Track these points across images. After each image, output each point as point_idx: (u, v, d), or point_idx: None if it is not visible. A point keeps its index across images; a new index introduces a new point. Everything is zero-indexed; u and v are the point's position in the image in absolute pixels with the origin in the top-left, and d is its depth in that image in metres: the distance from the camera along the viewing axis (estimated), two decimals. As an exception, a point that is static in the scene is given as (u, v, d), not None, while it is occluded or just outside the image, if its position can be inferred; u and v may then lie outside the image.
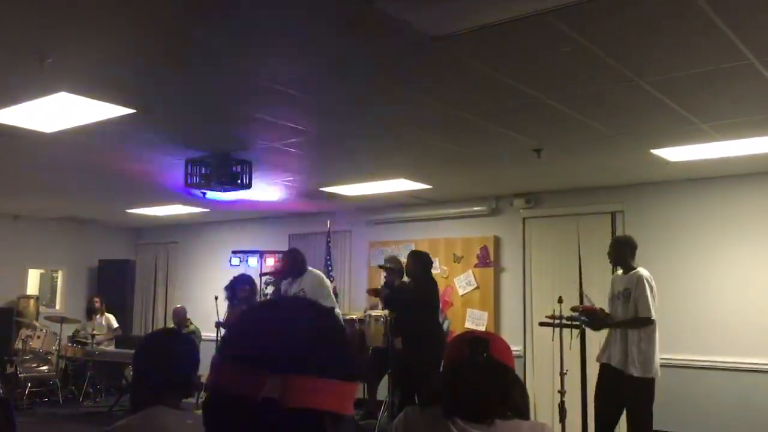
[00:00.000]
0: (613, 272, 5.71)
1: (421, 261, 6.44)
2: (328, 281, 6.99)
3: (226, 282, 7.66)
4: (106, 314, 10.03)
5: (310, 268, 6.92)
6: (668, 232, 6.96)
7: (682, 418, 6.52)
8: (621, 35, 3.28)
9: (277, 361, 0.85)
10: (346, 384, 0.89)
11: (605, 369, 5.42)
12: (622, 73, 3.74)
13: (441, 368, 2.00)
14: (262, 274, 7.77)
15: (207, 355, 2.55)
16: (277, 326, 0.90)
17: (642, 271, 5.41)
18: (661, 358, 6.54)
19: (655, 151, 5.61)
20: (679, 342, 6.66)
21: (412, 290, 6.35)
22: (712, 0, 2.86)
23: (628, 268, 5.48)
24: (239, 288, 7.40)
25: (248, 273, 8.04)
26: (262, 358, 0.85)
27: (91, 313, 10.10)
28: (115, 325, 10.04)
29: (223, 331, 7.79)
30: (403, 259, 6.87)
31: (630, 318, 5.30)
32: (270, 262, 9.23)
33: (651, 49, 3.45)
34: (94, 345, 9.32)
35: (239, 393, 0.84)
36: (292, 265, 6.74)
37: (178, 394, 2.10)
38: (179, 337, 2.32)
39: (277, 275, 6.75)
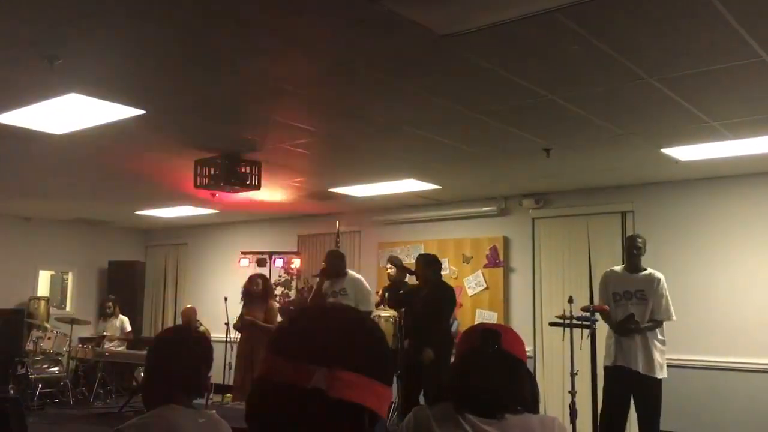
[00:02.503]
0: (631, 270, 5.60)
1: (432, 265, 6.40)
2: (368, 285, 7.04)
3: (236, 283, 7.70)
4: (121, 316, 10.06)
5: (349, 270, 7.02)
6: (679, 232, 6.92)
7: (694, 419, 6.48)
8: (631, 33, 3.26)
9: (325, 356, 0.93)
10: (384, 386, 0.97)
11: (618, 372, 5.34)
12: (632, 71, 3.72)
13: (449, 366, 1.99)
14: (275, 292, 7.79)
15: (217, 355, 2.54)
16: (328, 325, 1.00)
17: (658, 273, 5.41)
18: (674, 359, 6.55)
19: (666, 150, 5.58)
20: (690, 343, 6.61)
21: (426, 294, 6.29)
22: (723, -3, 2.84)
23: (641, 268, 5.46)
24: (254, 285, 7.50)
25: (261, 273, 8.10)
26: (311, 351, 0.94)
27: (103, 313, 10.11)
28: (128, 328, 10.05)
29: (233, 332, 7.87)
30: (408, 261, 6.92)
31: (654, 321, 5.29)
32: (279, 263, 9.24)
33: (661, 47, 3.43)
34: (105, 345, 9.37)
35: (288, 383, 0.92)
36: (331, 266, 6.83)
37: (189, 394, 2.10)
38: (193, 336, 2.31)
39: (322, 276, 6.89)
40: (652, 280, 5.35)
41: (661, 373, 5.25)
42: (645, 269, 5.47)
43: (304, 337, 0.97)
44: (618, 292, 5.43)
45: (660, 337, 5.31)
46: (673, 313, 5.34)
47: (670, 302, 5.32)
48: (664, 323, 5.36)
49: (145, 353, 2.49)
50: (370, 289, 7.09)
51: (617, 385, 5.35)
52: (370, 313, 6.79)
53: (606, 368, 5.44)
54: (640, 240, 5.57)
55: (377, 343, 1.01)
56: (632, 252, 5.48)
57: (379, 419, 0.95)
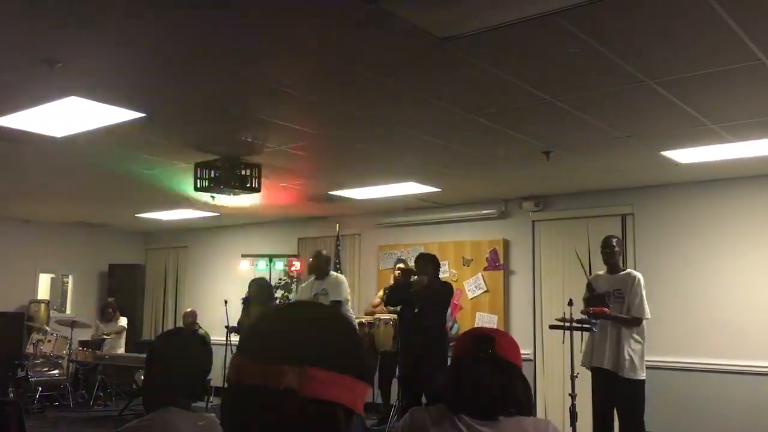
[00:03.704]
0: (611, 271, 5.63)
1: (431, 262, 6.45)
2: (346, 282, 7.19)
3: (236, 286, 7.71)
4: (121, 317, 10.05)
5: (332, 272, 7.21)
6: (679, 235, 6.92)
7: (692, 422, 6.47)
8: (630, 36, 3.26)
9: (296, 355, 0.92)
10: (358, 382, 0.96)
11: (594, 372, 5.39)
12: (631, 74, 3.72)
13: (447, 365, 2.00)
14: (243, 299, 7.85)
15: (217, 358, 2.54)
16: (297, 323, 0.98)
17: (636, 272, 5.44)
18: (672, 362, 6.56)
19: (666, 153, 5.58)
20: (688, 345, 6.62)
21: (424, 288, 6.31)
22: (722, -1, 2.85)
23: (619, 268, 5.50)
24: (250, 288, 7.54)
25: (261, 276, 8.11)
26: (281, 351, 0.92)
27: (104, 317, 10.09)
28: (123, 324, 10.00)
29: (234, 334, 7.88)
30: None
31: (626, 315, 5.29)
32: (280, 266, 9.26)
33: (661, 50, 3.43)
34: (105, 348, 9.38)
35: (260, 384, 0.91)
36: (319, 265, 7.02)
37: (189, 396, 2.10)
38: (192, 338, 2.31)
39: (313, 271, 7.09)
40: (628, 279, 5.39)
41: (632, 373, 5.17)
42: (624, 269, 5.53)
43: (273, 336, 0.96)
44: (600, 293, 5.46)
45: (635, 336, 5.27)
46: (647, 312, 5.28)
47: (645, 301, 5.29)
48: (643, 323, 5.32)
49: (144, 356, 2.48)
50: (346, 284, 7.17)
51: (595, 385, 5.39)
52: (339, 303, 6.72)
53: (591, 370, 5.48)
54: (614, 240, 5.58)
55: (348, 337, 0.99)
56: (605, 252, 5.53)
57: (354, 414, 0.94)
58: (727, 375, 6.43)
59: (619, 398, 5.25)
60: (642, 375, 5.24)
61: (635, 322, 5.27)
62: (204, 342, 2.27)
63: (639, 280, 5.37)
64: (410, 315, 6.32)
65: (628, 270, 5.54)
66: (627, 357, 5.19)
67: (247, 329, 1.00)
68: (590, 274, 5.82)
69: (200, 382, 2.14)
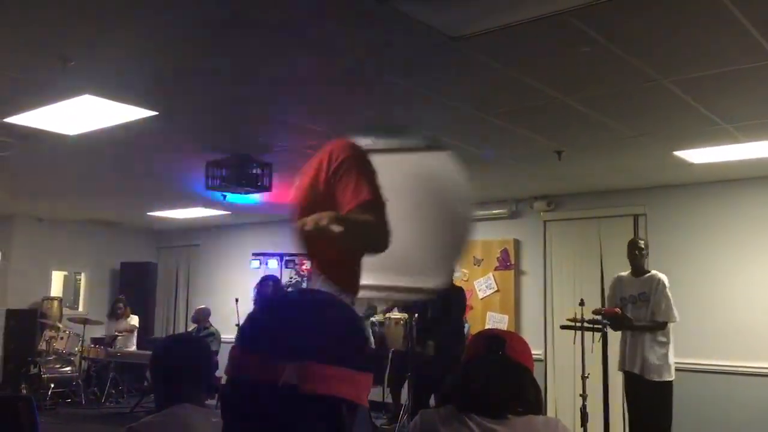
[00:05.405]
0: (635, 274, 5.62)
1: None
2: None
3: (247, 284, 7.70)
4: (132, 315, 10.09)
5: None
6: (691, 236, 6.87)
7: (706, 424, 6.43)
8: (643, 34, 3.24)
9: (296, 350, 0.88)
10: (361, 374, 0.92)
11: (627, 377, 5.40)
12: (644, 73, 3.70)
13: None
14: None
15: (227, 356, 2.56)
16: (296, 317, 0.95)
17: (661, 274, 5.38)
18: (685, 363, 6.50)
19: (678, 153, 5.55)
20: (702, 347, 6.56)
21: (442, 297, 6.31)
22: (736, -2, 2.83)
23: (644, 270, 5.45)
24: (264, 287, 7.52)
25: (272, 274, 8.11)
26: (282, 346, 0.89)
27: (114, 314, 10.14)
28: (134, 323, 10.05)
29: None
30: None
31: (651, 322, 5.26)
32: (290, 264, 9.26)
33: (674, 49, 3.41)
34: (117, 346, 9.43)
35: (260, 380, 0.88)
36: None
37: (201, 394, 2.11)
38: (194, 340, 2.35)
39: None
40: (652, 281, 5.34)
41: (657, 376, 5.15)
42: (649, 271, 5.48)
43: (272, 331, 0.93)
44: (624, 296, 5.45)
45: (661, 339, 5.22)
46: (676, 315, 5.25)
47: (672, 303, 5.25)
48: (669, 325, 5.29)
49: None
50: None
51: (628, 390, 5.39)
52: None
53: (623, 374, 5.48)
54: (641, 242, 5.56)
55: (349, 329, 0.96)
56: (634, 254, 5.50)
57: (358, 407, 0.91)
58: (741, 377, 6.38)
59: (643, 401, 5.22)
60: (668, 377, 5.20)
61: (660, 326, 5.23)
62: (205, 343, 2.31)
63: (664, 282, 5.31)
64: (421, 323, 6.33)
65: (653, 272, 5.45)
66: (652, 359, 5.17)
67: (246, 322, 0.97)
68: (603, 276, 5.80)
69: (212, 379, 2.16)
